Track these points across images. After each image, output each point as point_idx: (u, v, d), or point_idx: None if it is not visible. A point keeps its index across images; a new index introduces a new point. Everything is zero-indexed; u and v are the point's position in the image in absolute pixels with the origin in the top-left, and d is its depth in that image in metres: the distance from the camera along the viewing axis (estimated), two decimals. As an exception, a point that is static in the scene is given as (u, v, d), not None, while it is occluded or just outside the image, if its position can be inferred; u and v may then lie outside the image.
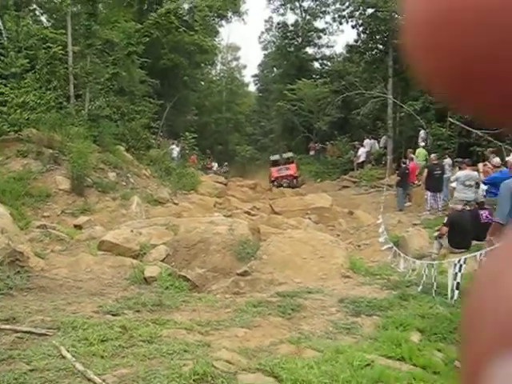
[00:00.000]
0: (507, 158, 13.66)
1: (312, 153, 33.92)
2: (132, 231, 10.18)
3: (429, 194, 16.16)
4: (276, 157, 31.01)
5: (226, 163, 37.00)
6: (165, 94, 28.94)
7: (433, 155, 17.77)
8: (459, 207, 11.41)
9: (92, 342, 5.06)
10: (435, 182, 15.98)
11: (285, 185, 26.88)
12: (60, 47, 18.90)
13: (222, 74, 55.58)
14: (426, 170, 16.82)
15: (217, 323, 6.09)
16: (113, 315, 6.24)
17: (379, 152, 27.11)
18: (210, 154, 37.31)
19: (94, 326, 5.52)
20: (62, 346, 4.92)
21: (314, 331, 5.96)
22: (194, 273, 8.93)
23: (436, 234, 11.43)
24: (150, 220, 12.13)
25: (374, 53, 29.86)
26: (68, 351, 4.82)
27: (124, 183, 17.42)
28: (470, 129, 20.66)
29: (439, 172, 15.98)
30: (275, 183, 27.62)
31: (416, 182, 19.49)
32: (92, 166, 16.44)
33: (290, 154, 30.78)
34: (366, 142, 27.26)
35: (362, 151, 26.77)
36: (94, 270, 8.54)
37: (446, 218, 11.05)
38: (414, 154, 20.97)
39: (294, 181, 27.54)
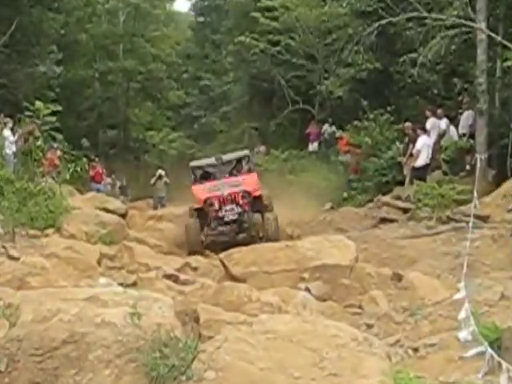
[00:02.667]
0: None
1: (313, 146, 34.12)
2: None
3: None
4: (206, 161, 28.78)
5: (160, 170, 36.63)
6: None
7: None
8: None
9: None
10: None
11: (228, 218, 23.99)
12: None
13: (116, -23, 55.81)
14: None
15: None
16: None
17: (459, 144, 27.32)
18: (90, 147, 37.32)
19: None
20: None
21: None
22: (53, 412, 8.90)
23: None
24: (-42, 295, 12.07)
25: None
26: None
27: None
28: None
29: None
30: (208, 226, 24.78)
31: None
32: None
33: (243, 153, 29.02)
34: (432, 122, 27.54)
35: (422, 142, 26.94)
36: None
37: None
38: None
39: (249, 214, 24.37)
